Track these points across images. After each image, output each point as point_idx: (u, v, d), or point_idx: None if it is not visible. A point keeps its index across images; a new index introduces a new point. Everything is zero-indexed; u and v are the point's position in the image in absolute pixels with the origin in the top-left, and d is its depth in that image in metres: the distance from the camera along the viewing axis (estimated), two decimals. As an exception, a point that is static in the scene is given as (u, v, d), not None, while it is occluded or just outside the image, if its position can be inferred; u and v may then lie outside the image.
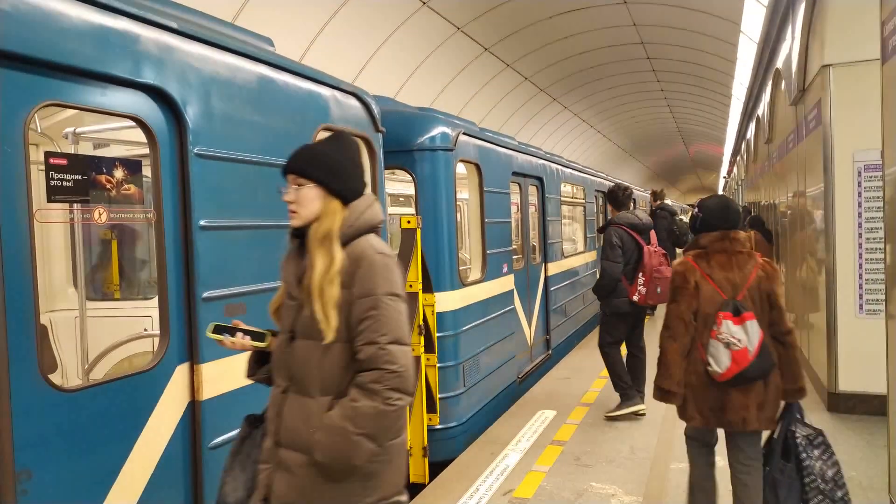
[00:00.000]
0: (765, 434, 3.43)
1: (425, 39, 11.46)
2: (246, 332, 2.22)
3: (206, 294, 2.76)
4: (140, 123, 2.59)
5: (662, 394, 3.43)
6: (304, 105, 3.57)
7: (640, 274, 5.63)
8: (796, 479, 3.22)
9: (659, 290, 5.59)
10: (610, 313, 5.86)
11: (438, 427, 5.23)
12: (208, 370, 2.75)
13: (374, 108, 4.22)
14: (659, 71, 17.66)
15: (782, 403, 3.37)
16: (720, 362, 3.22)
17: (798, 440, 3.24)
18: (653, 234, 5.99)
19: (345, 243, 2.05)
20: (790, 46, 7.38)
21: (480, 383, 5.91)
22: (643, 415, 5.84)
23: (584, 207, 11.07)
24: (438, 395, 5.22)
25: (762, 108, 11.84)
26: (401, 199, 10.03)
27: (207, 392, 2.75)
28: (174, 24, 2.70)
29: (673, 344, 3.37)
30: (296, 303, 2.08)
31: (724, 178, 34.34)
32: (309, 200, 2.07)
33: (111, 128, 3.86)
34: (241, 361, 2.94)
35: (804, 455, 3.21)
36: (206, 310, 2.76)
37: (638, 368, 5.96)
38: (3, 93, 2.07)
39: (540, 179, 8.24)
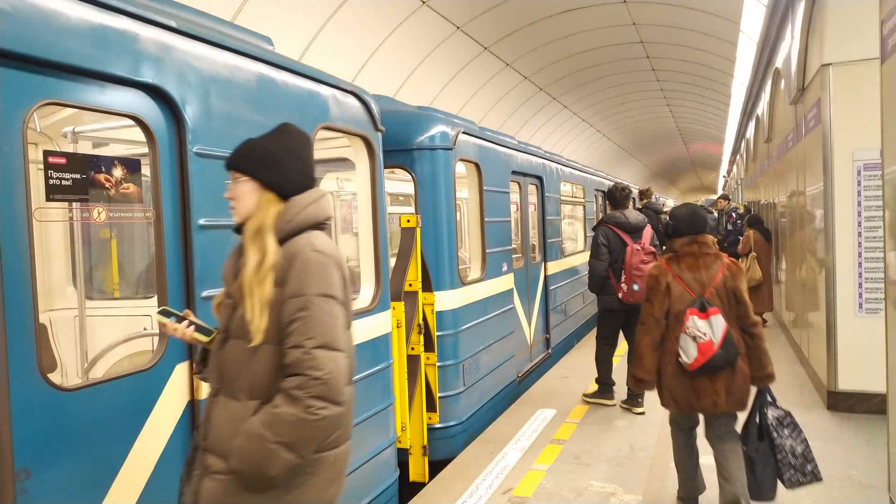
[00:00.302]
0: (742, 418, 3.77)
1: (425, 38, 11.45)
2: (193, 323, 2.14)
3: (204, 293, 2.76)
4: (139, 122, 2.58)
5: (636, 381, 3.84)
6: (304, 104, 3.56)
7: (623, 272, 5.85)
8: (770, 456, 3.60)
9: (636, 287, 5.73)
10: (601, 309, 6.20)
11: (438, 426, 5.23)
12: (208, 369, 2.75)
13: (373, 108, 4.22)
14: (658, 70, 17.66)
15: (754, 389, 3.74)
16: (689, 354, 3.58)
17: (770, 421, 3.63)
18: (647, 232, 6.10)
19: (283, 240, 1.95)
20: (790, 45, 7.38)
21: (480, 382, 5.91)
22: (642, 413, 5.90)
23: (584, 206, 11.07)
24: (438, 394, 5.23)
25: (762, 108, 11.84)
26: (400, 198, 10.04)
27: (206, 391, 2.74)
28: (173, 23, 2.70)
29: (645, 338, 3.76)
30: (231, 301, 2.01)
31: (724, 177, 34.34)
32: (244, 195, 2.00)
33: (110, 127, 3.86)
34: (240, 360, 2.94)
35: (775, 435, 3.60)
36: (206, 308, 2.76)
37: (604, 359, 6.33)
38: (1, 91, 2.07)
39: (539, 178, 8.24)
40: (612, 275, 5.96)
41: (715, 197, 23.06)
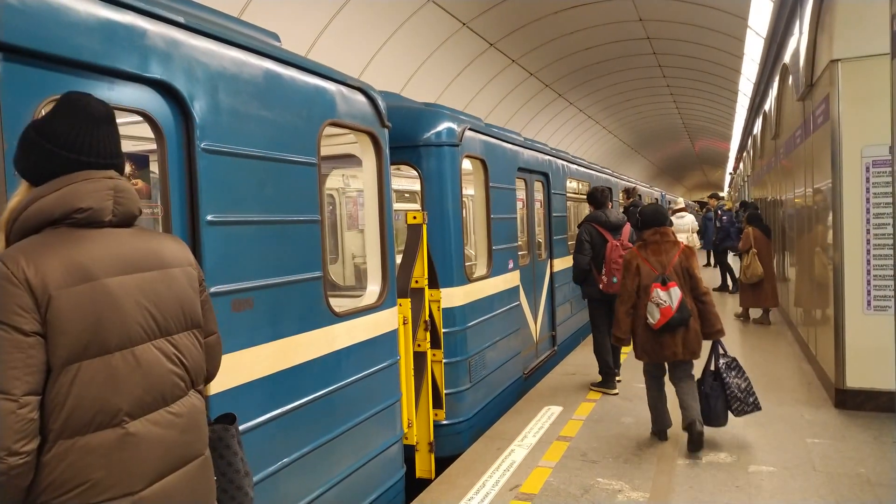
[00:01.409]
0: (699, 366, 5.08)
1: (431, 35, 11.43)
2: None
3: (213, 289, 2.76)
4: (147, 118, 2.59)
5: (616, 339, 5.12)
6: (310, 100, 3.56)
7: (604, 265, 6.48)
8: (721, 392, 4.91)
9: (615, 279, 6.29)
10: (586, 300, 6.86)
11: (445, 422, 5.23)
12: (216, 365, 2.75)
13: (380, 104, 4.21)
14: (665, 66, 17.58)
15: (708, 344, 5.05)
16: (654, 316, 4.82)
17: (720, 366, 4.98)
18: (626, 230, 6.72)
19: (15, 240, 1.60)
20: (798, 41, 7.33)
21: (486, 379, 5.91)
22: (616, 394, 6.51)
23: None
24: (444, 391, 5.23)
25: (769, 104, 11.78)
26: (406, 195, 10.04)
27: (214, 387, 2.75)
28: (181, 19, 2.70)
29: (622, 307, 5.03)
30: None
31: (730, 174, 34.20)
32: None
33: (118, 123, 3.87)
34: (247, 357, 2.95)
35: (724, 375, 4.93)
36: (214, 305, 2.76)
37: (616, 349, 6.77)
38: (11, 87, 2.08)
39: (546, 175, 8.22)
40: (594, 268, 6.59)
41: (721, 194, 23.01)
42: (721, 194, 22.90)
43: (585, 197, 10.57)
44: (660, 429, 5.17)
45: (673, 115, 25.30)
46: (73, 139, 1.64)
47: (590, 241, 6.57)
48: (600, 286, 6.47)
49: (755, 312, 10.39)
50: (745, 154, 22.09)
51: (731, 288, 13.53)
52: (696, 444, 4.80)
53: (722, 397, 4.88)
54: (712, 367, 5.00)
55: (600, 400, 6.31)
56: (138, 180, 2.68)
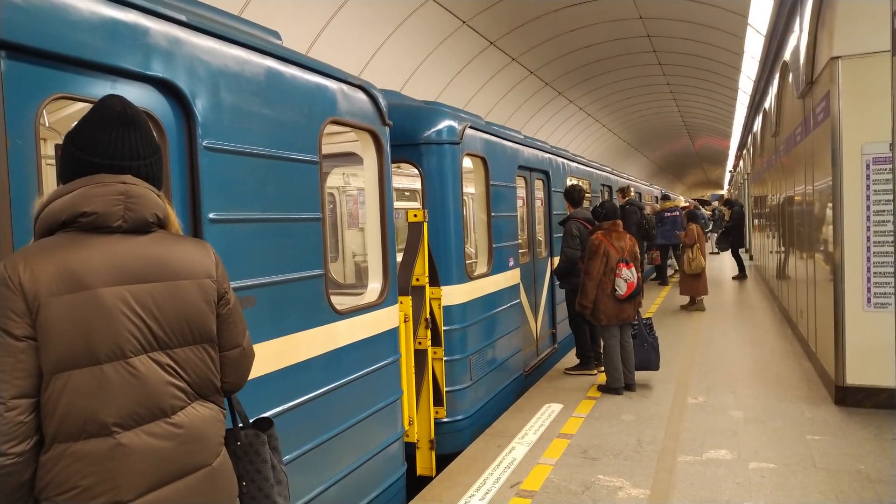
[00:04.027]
0: None
1: (431, 33, 11.42)
2: None
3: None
4: (149, 117, 2.59)
5: (582, 307, 6.40)
6: (312, 98, 3.56)
7: None
8: (649, 342, 6.57)
9: None
10: (570, 290, 7.31)
11: (445, 420, 5.24)
12: (218, 362, 2.76)
13: (381, 102, 4.22)
14: (665, 64, 17.57)
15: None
16: (622, 288, 6.19)
17: (647, 325, 6.61)
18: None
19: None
20: (798, 38, 7.33)
21: (487, 377, 5.92)
22: (595, 374, 7.17)
23: (590, 201, 11.04)
24: (445, 389, 5.24)
25: (769, 101, 11.78)
26: (406, 193, 10.04)
27: (217, 384, 2.76)
28: (183, 17, 2.70)
29: (590, 282, 6.27)
30: None
31: (730, 171, 34.19)
32: None
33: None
34: (261, 351, 2.95)
35: (647, 333, 6.59)
36: (216, 302, 2.76)
37: (596, 335, 7.28)
38: (13, 85, 2.08)
39: (546, 173, 8.23)
40: (579, 261, 7.05)
41: (721, 192, 23.15)
42: (677, 196, 23.57)
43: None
44: (619, 385, 6.36)
45: (673, 112, 25.29)
46: (87, 140, 1.64)
47: (578, 236, 7.08)
48: None
49: (684, 298, 11.77)
50: (745, 152, 22.09)
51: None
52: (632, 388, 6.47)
53: (647, 346, 6.53)
54: (643, 326, 6.55)
55: (601, 398, 6.32)
56: None
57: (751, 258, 21.78)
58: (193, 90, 2.72)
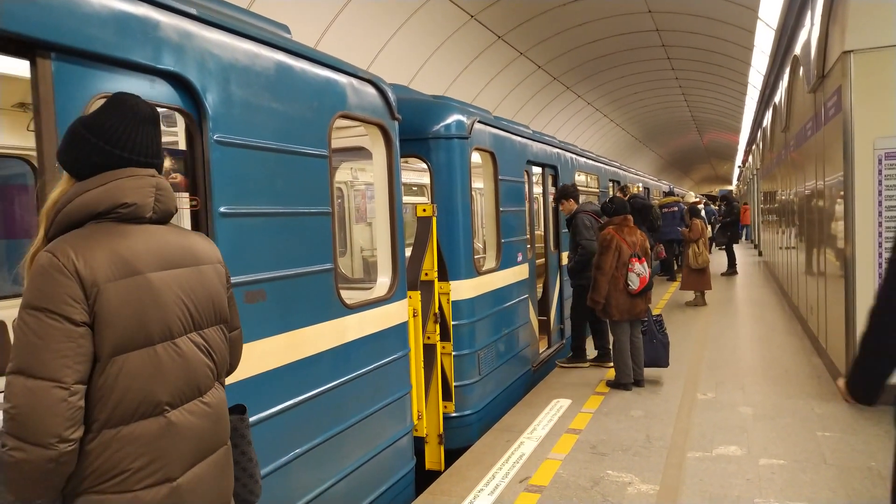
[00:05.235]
0: None
1: (439, 27, 11.39)
2: None
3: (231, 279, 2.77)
4: (181, 112, 2.61)
5: (594, 303, 6.33)
6: (321, 92, 3.56)
7: None
8: (659, 339, 6.45)
9: None
10: (586, 285, 6.97)
11: (454, 415, 5.25)
12: (229, 356, 2.77)
13: (390, 96, 4.21)
14: (674, 59, 17.47)
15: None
16: (634, 283, 6.15)
17: (657, 322, 6.49)
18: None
19: (56, 234, 1.62)
20: (809, 32, 7.27)
21: (495, 372, 5.92)
22: (611, 366, 7.01)
23: (599, 196, 11.01)
24: (454, 383, 5.24)
25: (779, 96, 11.69)
26: (413, 188, 10.03)
27: (229, 378, 2.76)
28: (194, 11, 2.70)
29: (602, 277, 6.22)
30: None
31: (739, 167, 34.00)
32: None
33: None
34: (262, 348, 2.96)
35: (657, 329, 6.46)
36: (227, 296, 2.77)
37: (603, 331, 7.40)
38: (62, 86, 2.16)
39: (555, 168, 8.20)
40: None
41: (729, 188, 23.10)
42: (686, 192, 23.53)
43: (589, 189, 10.74)
44: (628, 381, 6.33)
45: (681, 107, 25.15)
46: (119, 136, 1.68)
47: (591, 227, 7.11)
48: None
49: (686, 296, 11.86)
50: (754, 147, 21.96)
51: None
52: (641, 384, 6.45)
53: (655, 342, 6.44)
54: (652, 322, 6.46)
55: (609, 393, 6.31)
56: (177, 174, 2.70)
57: (759, 254, 21.69)
58: (204, 84, 2.72)
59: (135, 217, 1.67)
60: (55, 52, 2.15)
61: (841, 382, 2.45)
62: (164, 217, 1.76)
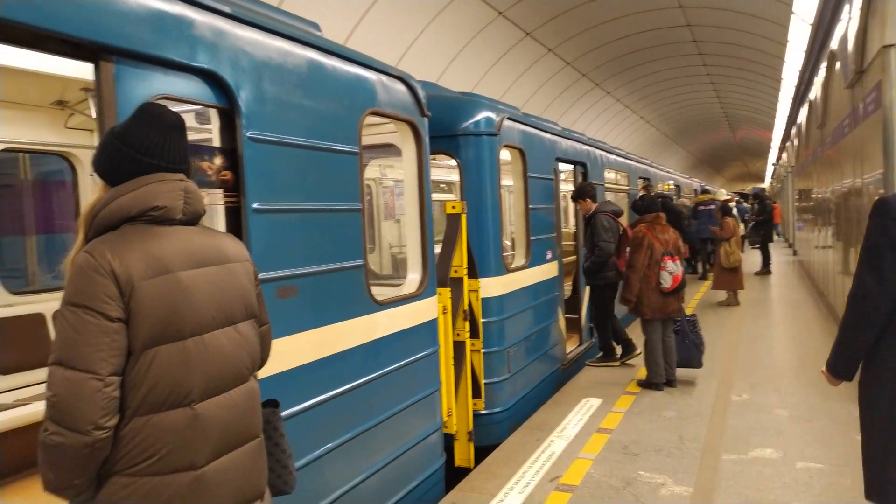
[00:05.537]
0: None
1: (467, 24, 11.36)
2: None
3: (259, 276, 2.78)
4: (221, 111, 2.65)
5: (625, 301, 6.28)
6: (352, 89, 3.56)
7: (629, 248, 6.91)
8: (691, 339, 6.34)
9: None
10: (604, 285, 7.22)
11: (483, 412, 5.22)
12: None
13: (420, 93, 4.20)
14: (705, 54, 17.19)
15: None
16: (666, 282, 6.10)
17: (690, 322, 6.40)
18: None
19: (93, 236, 1.73)
20: (846, 27, 7.08)
21: (525, 369, 5.88)
22: (639, 354, 7.13)
23: (629, 194, 10.89)
24: (483, 381, 5.22)
25: (815, 92, 11.43)
26: (441, 185, 10.02)
27: (262, 373, 2.77)
28: (227, 9, 2.72)
29: (634, 275, 6.19)
30: None
31: (773, 164, 33.36)
32: None
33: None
34: (295, 342, 2.98)
35: (690, 329, 6.36)
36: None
37: (619, 330, 7.43)
38: (123, 89, 2.25)
39: (584, 165, 8.12)
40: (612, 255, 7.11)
41: (761, 185, 22.68)
42: (717, 189, 23.07)
43: (619, 187, 10.61)
44: (661, 381, 6.25)
45: (713, 103, 24.75)
46: (149, 145, 1.79)
47: (610, 229, 7.06)
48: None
49: (718, 295, 11.71)
50: (788, 144, 21.52)
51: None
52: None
53: (689, 344, 6.34)
54: (684, 323, 6.36)
55: (640, 393, 6.23)
56: (228, 172, 2.73)
57: (794, 253, 21.26)
58: (237, 81, 2.73)
59: (166, 219, 1.77)
60: (116, 56, 2.24)
61: (823, 368, 2.75)
62: (193, 218, 1.85)
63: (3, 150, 4.60)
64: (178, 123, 1.86)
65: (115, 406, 1.60)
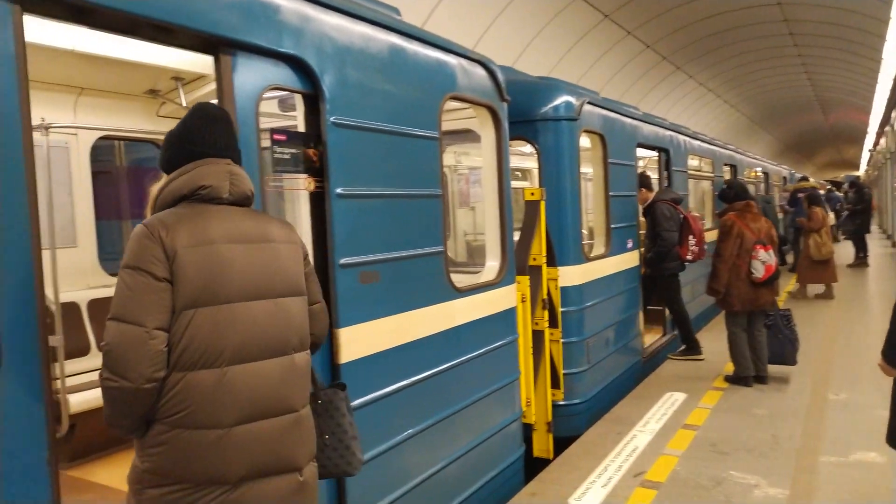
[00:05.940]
0: None
1: (544, 7, 11.13)
2: None
3: (342, 260, 2.79)
4: (306, 97, 2.68)
5: (713, 291, 5.98)
6: (432, 74, 3.52)
7: (691, 236, 6.87)
8: (785, 334, 6.01)
9: (706, 246, 7.06)
10: (668, 275, 7.04)
11: (562, 403, 5.11)
12: (346, 334, 2.79)
13: (499, 77, 4.12)
14: (796, 34, 16.22)
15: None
16: (758, 271, 5.77)
17: (784, 316, 6.06)
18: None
19: None
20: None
21: (604, 361, 5.72)
22: (702, 359, 7.02)
23: (713, 181, 10.44)
24: (562, 371, 5.10)
25: (922, 69, 10.58)
26: (517, 172, 9.87)
27: (346, 355, 2.79)
28: (313, -6, 2.71)
29: (722, 265, 5.87)
30: None
31: (870, 151, 31.30)
32: None
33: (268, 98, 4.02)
34: (377, 327, 2.98)
35: (784, 324, 6.02)
36: (343, 276, 2.79)
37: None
38: (241, 80, 2.41)
39: (667, 151, 7.82)
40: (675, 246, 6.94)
41: (856, 174, 21.36)
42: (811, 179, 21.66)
43: (702, 174, 10.18)
44: (747, 374, 5.97)
45: (803, 86, 23.38)
46: (196, 136, 2.00)
47: (671, 218, 6.88)
48: (689, 257, 6.87)
49: (813, 288, 10.98)
50: (888, 128, 20.10)
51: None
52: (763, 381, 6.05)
53: (783, 341, 6.00)
54: (777, 317, 6.01)
55: (728, 389, 5.94)
56: (314, 155, 2.78)
57: (893, 245, 19.91)
58: (321, 66, 2.73)
59: (213, 197, 1.94)
60: (234, 49, 2.37)
61: (879, 359, 2.83)
62: (239, 199, 2.00)
63: (101, 138, 4.82)
64: (220, 115, 2.06)
65: (161, 360, 1.76)
